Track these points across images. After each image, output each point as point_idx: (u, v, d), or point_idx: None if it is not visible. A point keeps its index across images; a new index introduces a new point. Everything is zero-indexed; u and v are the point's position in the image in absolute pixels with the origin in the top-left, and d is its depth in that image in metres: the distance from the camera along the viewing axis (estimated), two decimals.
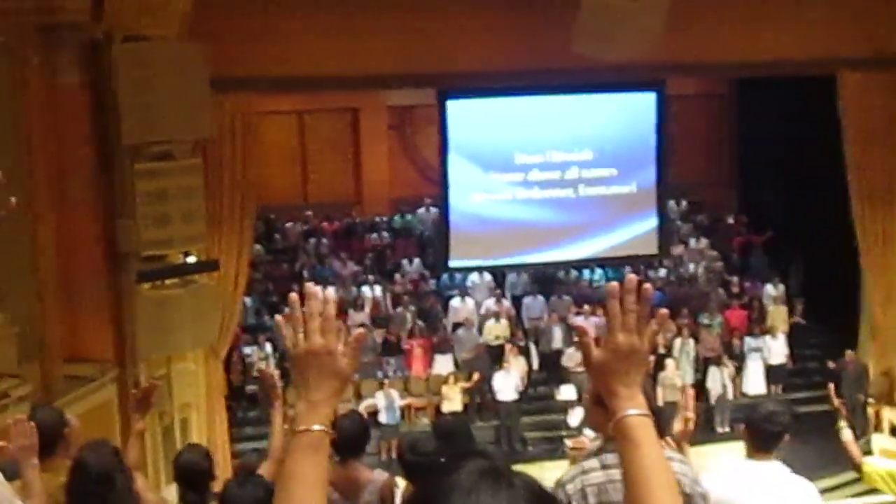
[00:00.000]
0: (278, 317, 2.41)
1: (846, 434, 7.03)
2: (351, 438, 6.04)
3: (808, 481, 5.69)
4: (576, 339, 18.66)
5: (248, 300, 18.57)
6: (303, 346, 2.29)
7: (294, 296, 2.32)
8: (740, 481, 5.42)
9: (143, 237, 12.37)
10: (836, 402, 7.01)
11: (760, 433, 5.47)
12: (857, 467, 6.67)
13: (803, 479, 5.67)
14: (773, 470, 5.46)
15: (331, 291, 2.34)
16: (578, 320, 19.30)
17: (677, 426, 5.41)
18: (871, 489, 6.59)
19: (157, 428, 13.52)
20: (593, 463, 4.25)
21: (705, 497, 4.57)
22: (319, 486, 2.21)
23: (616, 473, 4.20)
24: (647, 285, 2.30)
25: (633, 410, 2.26)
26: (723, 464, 6.15)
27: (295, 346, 2.31)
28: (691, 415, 5.47)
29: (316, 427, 2.24)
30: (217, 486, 5.96)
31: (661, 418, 4.88)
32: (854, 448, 6.87)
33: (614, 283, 2.30)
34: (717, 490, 5.24)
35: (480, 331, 19.58)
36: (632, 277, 2.34)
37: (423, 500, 1.85)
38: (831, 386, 6.79)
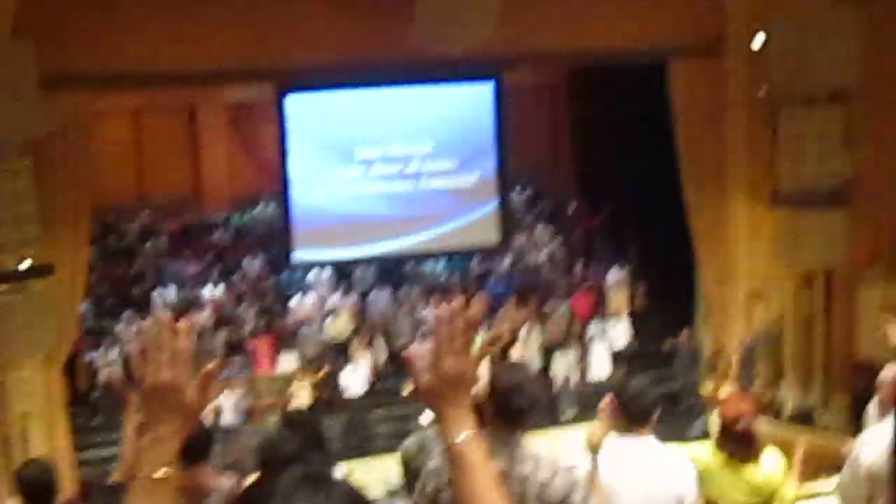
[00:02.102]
0: (133, 346, 2.33)
1: None
2: (195, 443, 5.92)
3: (683, 453, 5.85)
4: (423, 330, 18.84)
5: (84, 304, 18.06)
6: (150, 380, 2.22)
7: (147, 324, 2.25)
8: (620, 459, 5.51)
9: None
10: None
11: (633, 409, 5.54)
12: None
13: (677, 449, 5.81)
14: (649, 443, 5.58)
15: (184, 323, 2.26)
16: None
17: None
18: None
19: None
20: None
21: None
22: None
23: None
24: (473, 309, 2.34)
25: (462, 435, 2.30)
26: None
27: (142, 379, 2.24)
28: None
29: (158, 474, 2.18)
30: (60, 498, 5.81)
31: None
32: None
33: (442, 307, 2.33)
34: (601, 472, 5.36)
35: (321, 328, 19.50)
36: (458, 301, 2.37)
37: None
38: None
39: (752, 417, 6.23)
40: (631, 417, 5.55)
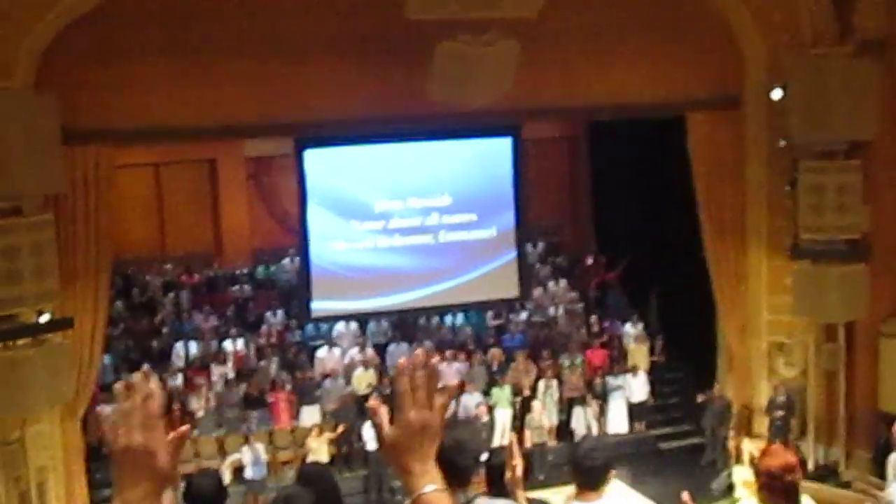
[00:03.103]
0: (104, 407, 2.27)
1: None
2: (207, 498, 5.89)
3: None
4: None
5: (106, 357, 18.03)
6: (121, 442, 2.17)
7: (119, 386, 2.22)
8: None
9: None
10: None
11: (583, 471, 5.25)
12: None
13: None
14: None
15: (155, 385, 2.22)
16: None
17: (507, 475, 5.13)
18: None
19: (13, 493, 13.06)
20: None
21: None
22: None
23: None
24: (435, 359, 2.32)
25: (429, 487, 2.25)
26: None
27: (114, 442, 2.18)
28: (517, 461, 5.19)
29: None
30: None
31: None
32: None
33: (403, 360, 2.29)
34: None
35: (347, 380, 19.40)
36: (420, 352, 2.34)
37: None
38: (685, 494, 6.64)
39: (796, 469, 6.00)
40: (582, 481, 5.27)
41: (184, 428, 2.29)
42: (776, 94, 16.01)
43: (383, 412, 2.30)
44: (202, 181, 24.62)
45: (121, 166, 17.44)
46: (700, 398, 18.72)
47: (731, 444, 17.99)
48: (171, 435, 2.22)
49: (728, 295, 17.82)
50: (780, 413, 17.21)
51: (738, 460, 17.55)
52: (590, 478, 5.24)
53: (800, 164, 15.74)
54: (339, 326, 20.73)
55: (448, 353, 19.63)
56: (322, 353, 20.16)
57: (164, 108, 14.58)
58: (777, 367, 17.46)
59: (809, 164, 15.54)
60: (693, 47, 16.49)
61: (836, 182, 15.30)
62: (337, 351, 20.16)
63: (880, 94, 14.96)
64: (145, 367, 18.99)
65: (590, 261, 24.17)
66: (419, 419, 2.26)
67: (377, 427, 2.30)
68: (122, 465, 2.17)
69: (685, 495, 7.00)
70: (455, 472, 4.30)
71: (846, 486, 16.08)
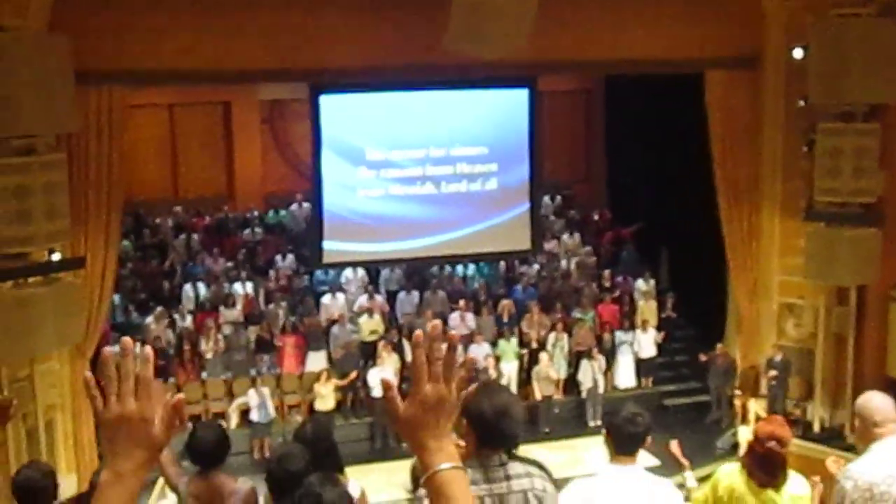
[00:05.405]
0: (87, 373, 2.18)
1: (690, 480, 7.09)
2: (210, 448, 5.92)
3: (671, 483, 5.54)
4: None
5: (115, 298, 18.09)
6: (114, 410, 2.07)
7: (108, 351, 2.14)
8: (601, 488, 5.17)
9: (2, 234, 11.96)
10: (683, 460, 7.00)
11: (622, 436, 5.20)
12: None
13: (666, 482, 5.50)
14: (635, 474, 5.22)
15: (148, 350, 2.13)
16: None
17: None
18: None
19: (21, 431, 13.14)
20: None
21: None
22: None
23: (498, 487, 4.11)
24: (453, 332, 2.23)
25: (445, 465, 2.19)
26: (587, 470, 5.82)
27: (105, 409, 2.08)
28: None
29: None
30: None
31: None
32: (695, 493, 6.87)
33: (419, 332, 2.20)
34: (576, 500, 5.08)
35: (354, 327, 19.45)
36: (436, 324, 2.26)
37: None
38: (674, 444, 6.85)
39: (783, 442, 5.97)
40: (620, 446, 5.24)
41: (179, 397, 2.18)
42: (798, 52, 15.84)
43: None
44: (216, 123, 24.55)
45: (135, 106, 17.42)
46: (703, 357, 18.76)
47: (737, 403, 18.02)
48: (167, 404, 2.13)
49: (740, 255, 17.76)
50: (774, 373, 17.25)
51: (744, 420, 17.59)
52: (628, 443, 5.22)
53: (818, 126, 15.58)
54: (347, 272, 20.74)
55: (461, 303, 19.68)
56: (326, 299, 20.17)
57: (178, 51, 14.50)
58: (786, 329, 17.44)
59: (827, 126, 15.37)
60: (713, 4, 16.32)
61: (853, 145, 15.13)
62: (341, 297, 20.17)
63: None
64: (158, 308, 19.11)
65: (596, 216, 24.17)
66: (435, 393, 2.18)
67: (390, 401, 2.22)
68: (115, 434, 2.08)
69: (674, 444, 7.06)
70: (499, 440, 4.12)
71: (851, 449, 16.08)
